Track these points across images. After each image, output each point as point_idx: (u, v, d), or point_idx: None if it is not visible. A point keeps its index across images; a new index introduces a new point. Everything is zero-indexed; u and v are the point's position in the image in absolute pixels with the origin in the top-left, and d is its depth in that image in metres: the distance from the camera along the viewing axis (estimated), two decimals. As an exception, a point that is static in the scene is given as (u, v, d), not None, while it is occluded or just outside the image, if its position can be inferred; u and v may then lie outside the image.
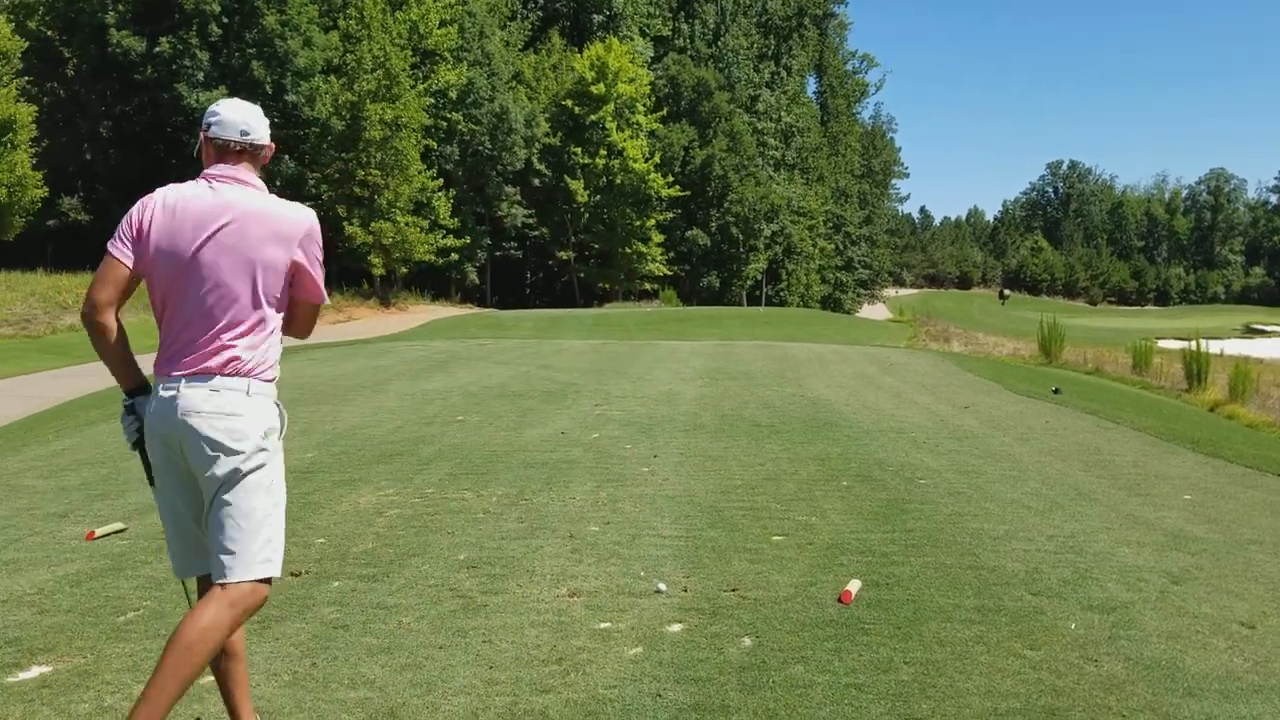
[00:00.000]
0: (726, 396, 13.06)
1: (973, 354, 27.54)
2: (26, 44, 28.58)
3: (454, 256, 46.99)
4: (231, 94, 38.65)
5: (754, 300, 62.97)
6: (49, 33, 38.65)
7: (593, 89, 53.75)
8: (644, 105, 57.67)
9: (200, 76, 37.83)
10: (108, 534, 6.05)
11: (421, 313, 41.60)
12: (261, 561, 3.03)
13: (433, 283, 49.68)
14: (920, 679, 3.92)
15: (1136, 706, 3.73)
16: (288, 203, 3.25)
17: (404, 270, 44.51)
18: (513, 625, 4.48)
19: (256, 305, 3.10)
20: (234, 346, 3.06)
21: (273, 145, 3.32)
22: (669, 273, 58.90)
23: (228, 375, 3.04)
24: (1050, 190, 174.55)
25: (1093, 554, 5.78)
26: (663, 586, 5.00)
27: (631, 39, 60.67)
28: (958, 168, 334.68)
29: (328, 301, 2.81)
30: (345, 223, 40.71)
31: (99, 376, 16.59)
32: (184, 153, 39.51)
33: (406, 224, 42.15)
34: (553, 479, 7.68)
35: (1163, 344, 31.36)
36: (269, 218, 3.15)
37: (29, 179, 24.69)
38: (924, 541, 5.94)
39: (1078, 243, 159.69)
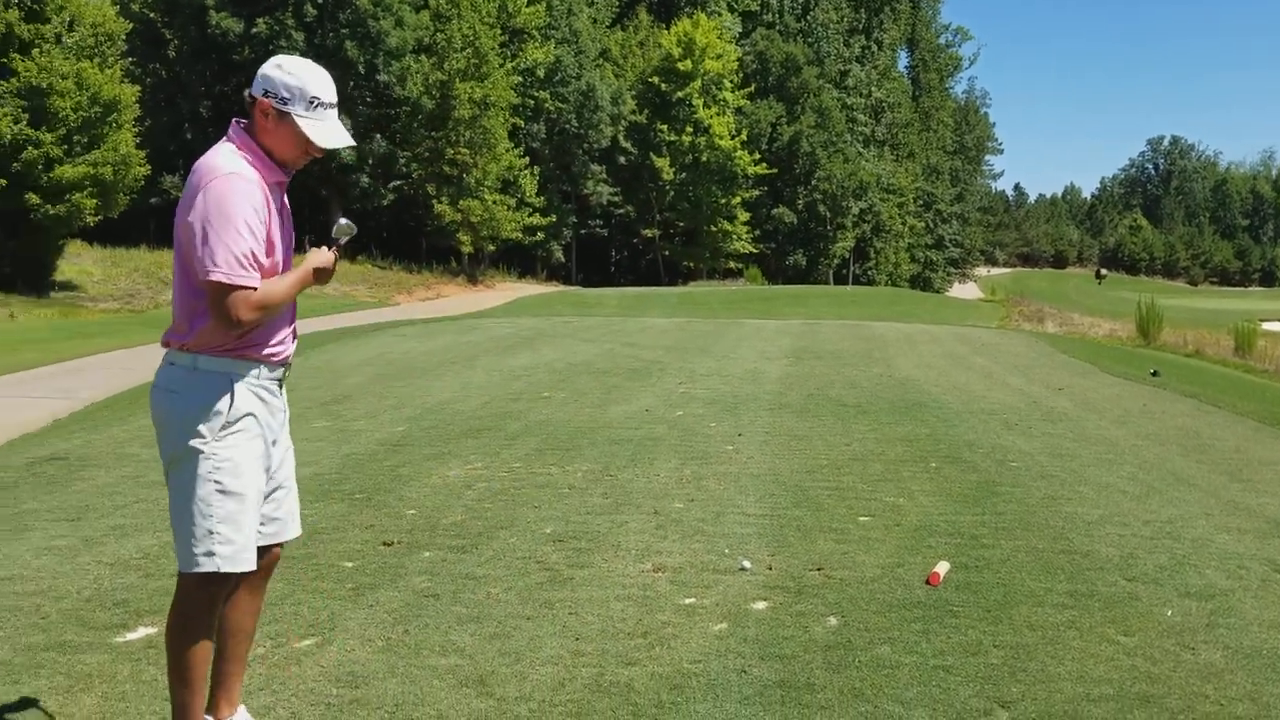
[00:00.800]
0: (812, 376, 12.97)
1: (1067, 335, 26.90)
2: (131, 26, 29.44)
3: (540, 235, 47.34)
4: (325, 74, 39.47)
5: (841, 279, 62.29)
6: (151, 15, 39.82)
7: (679, 65, 53.50)
8: (731, 81, 57.21)
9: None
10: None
11: (508, 290, 42.04)
12: None
13: (519, 260, 50.15)
14: (1010, 662, 3.87)
15: (1235, 695, 3.63)
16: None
17: (491, 248, 45.01)
18: (598, 598, 4.52)
19: None
20: None
21: (257, 99, 2.91)
22: (754, 251, 58.50)
23: None
24: (1150, 167, 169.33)
25: (1190, 540, 5.62)
26: (747, 564, 5.00)
27: (719, 14, 60.18)
28: (1054, 144, 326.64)
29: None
30: (434, 201, 41.31)
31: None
32: (279, 132, 40.49)
33: (494, 202, 42.58)
34: (637, 456, 7.72)
35: (1267, 326, 30.26)
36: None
37: (133, 158, 25.48)
38: (1015, 525, 5.84)
39: (1178, 221, 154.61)
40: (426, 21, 42.00)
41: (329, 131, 2.96)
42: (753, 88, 59.80)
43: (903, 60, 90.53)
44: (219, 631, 3.04)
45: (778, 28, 66.00)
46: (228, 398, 2.87)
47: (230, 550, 2.85)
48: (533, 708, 3.46)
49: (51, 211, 23.33)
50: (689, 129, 53.78)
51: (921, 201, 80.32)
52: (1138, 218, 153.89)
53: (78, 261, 28.50)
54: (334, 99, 3.00)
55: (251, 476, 2.92)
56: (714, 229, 56.03)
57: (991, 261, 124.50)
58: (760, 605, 4.46)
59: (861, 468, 7.38)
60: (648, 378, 12.58)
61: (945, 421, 9.54)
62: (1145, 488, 6.98)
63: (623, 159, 53.70)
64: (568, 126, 49.55)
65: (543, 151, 49.22)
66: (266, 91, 2.87)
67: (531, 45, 47.27)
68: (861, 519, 5.92)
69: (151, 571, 4.89)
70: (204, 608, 2.89)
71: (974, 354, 16.83)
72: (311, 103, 2.91)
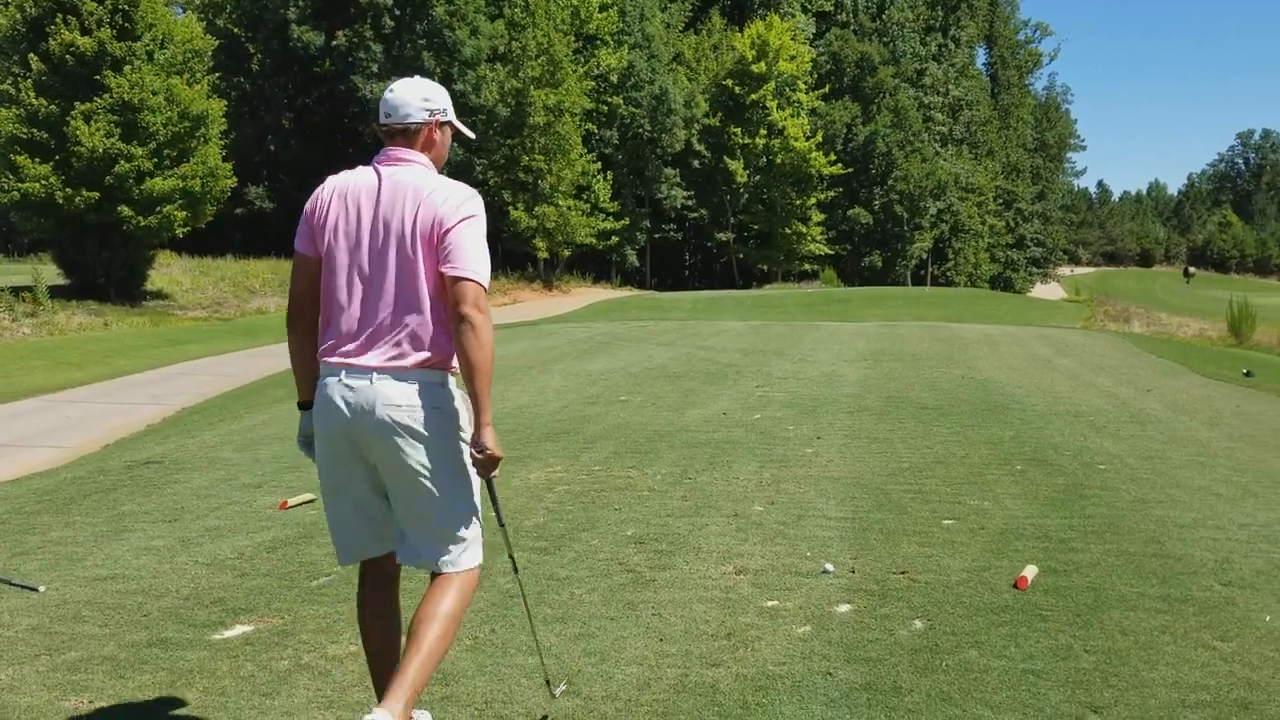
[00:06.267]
0: (891, 378, 12.83)
1: (1155, 335, 26.22)
2: (218, 42, 30.26)
3: (614, 239, 47.50)
4: (403, 84, 40.14)
5: (919, 280, 61.48)
6: (235, 30, 40.90)
7: (753, 68, 53.27)
8: (805, 83, 56.82)
9: (374, 68, 39.42)
10: (299, 504, 6.42)
11: (583, 295, 42.28)
12: None
13: (594, 265, 50.36)
14: (1102, 667, 3.80)
15: (1341, 705, 3.52)
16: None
17: (566, 253, 45.26)
18: (681, 600, 4.54)
19: None
20: None
21: (422, 124, 3.12)
22: (829, 252, 57.99)
23: None
24: (1240, 162, 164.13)
25: (1291, 545, 5.45)
26: (830, 567, 4.98)
27: (793, 15, 59.80)
28: (1138, 139, 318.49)
29: None
30: (510, 207, 41.69)
31: (285, 357, 17.52)
32: (360, 142, 41.23)
33: (568, 208, 42.84)
34: (715, 459, 7.72)
35: (1368, 324, 29.13)
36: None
37: (220, 170, 26.19)
38: (1104, 528, 5.72)
39: (1270, 217, 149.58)
40: (501, 30, 42.46)
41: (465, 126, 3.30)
42: (827, 88, 59.30)
43: (981, 57, 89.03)
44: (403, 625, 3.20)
45: (852, 27, 65.41)
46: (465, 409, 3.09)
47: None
48: (618, 707, 3.49)
49: (143, 223, 24.05)
50: (763, 131, 53.52)
51: (1001, 200, 78.86)
52: (1227, 214, 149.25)
53: (167, 271, 29.38)
54: None
55: None
56: (788, 231, 55.65)
57: (1075, 261, 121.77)
58: (844, 608, 4.44)
59: (944, 471, 7.29)
60: (724, 381, 12.56)
61: (1029, 424, 9.38)
62: (1240, 490, 6.79)
63: (696, 162, 53.63)
64: (641, 131, 49.66)
65: (616, 156, 49.39)
66: (431, 109, 3.12)
67: (604, 51, 47.49)
68: (945, 522, 5.85)
69: (246, 571, 5.03)
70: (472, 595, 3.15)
71: (1058, 355, 16.50)
72: (451, 106, 3.23)
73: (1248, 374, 13.97)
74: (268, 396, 12.46)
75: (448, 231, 2.95)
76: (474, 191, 3.07)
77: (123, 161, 23.34)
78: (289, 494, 6.65)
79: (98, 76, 23.46)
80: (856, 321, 25.34)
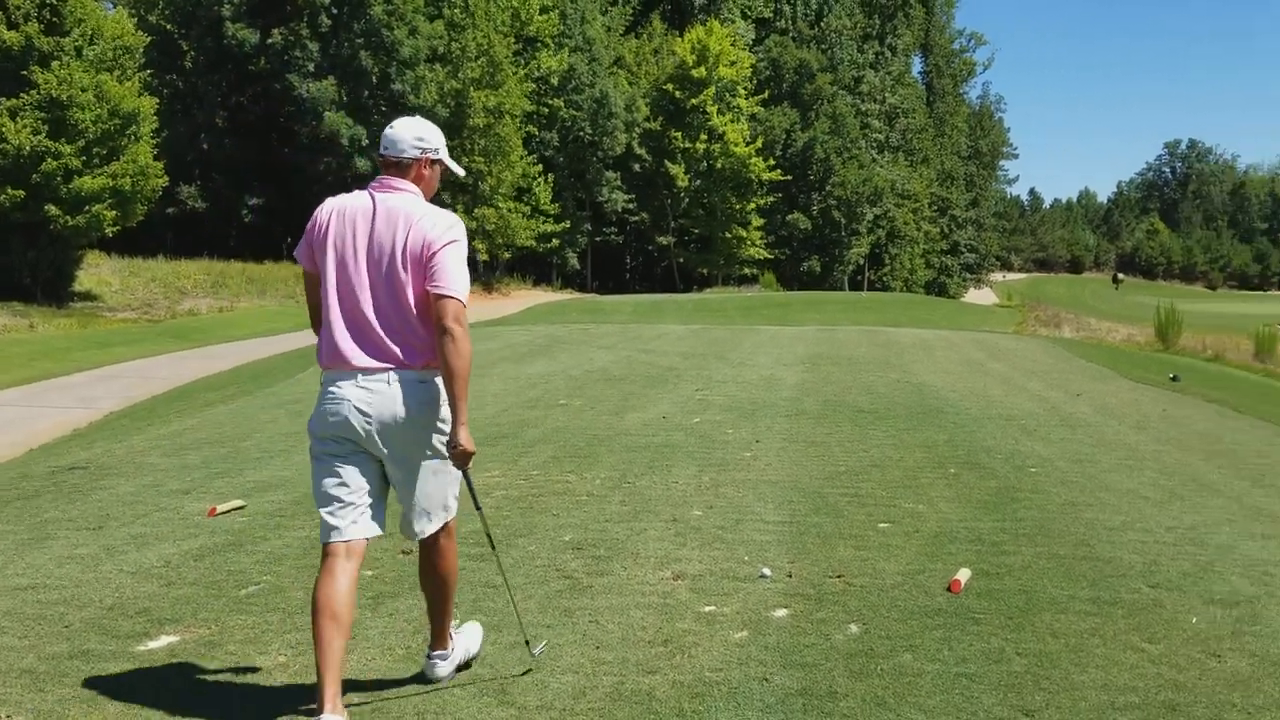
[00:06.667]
0: (829, 382, 12.93)
1: (1085, 340, 26.77)
2: (149, 39, 29.61)
3: (555, 242, 47.37)
4: (340, 83, 39.60)
5: (856, 285, 62.11)
6: (168, 26, 40.06)
7: (694, 73, 53.49)
8: (745, 88, 57.19)
9: (310, 67, 38.87)
10: (228, 510, 6.28)
11: (523, 297, 42.10)
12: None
13: (534, 268, 50.19)
14: (1033, 670, 3.84)
15: (1263, 704, 3.59)
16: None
17: (506, 255, 45.05)
18: (618, 606, 4.51)
19: None
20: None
21: (415, 159, 3.57)
22: (769, 257, 58.41)
23: None
24: (1168, 171, 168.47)
25: (1215, 546, 5.58)
26: (767, 572, 4.98)
27: (733, 21, 60.17)
28: (1069, 148, 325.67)
29: None
30: (450, 209, 41.36)
31: (216, 360, 17.22)
32: (296, 141, 40.62)
33: (509, 210, 42.64)
34: (655, 463, 7.70)
35: (1288, 330, 30.01)
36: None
37: (151, 169, 25.59)
38: (1036, 531, 5.81)
39: (1196, 225, 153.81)
40: (441, 31, 42.14)
41: (455, 164, 3.75)
42: (766, 94, 59.77)
43: (917, 66, 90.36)
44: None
45: (791, 34, 65.96)
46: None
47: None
48: (553, 716, 3.45)
49: (71, 222, 23.44)
50: (703, 136, 53.75)
51: (936, 207, 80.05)
52: (1155, 222, 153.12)
53: (96, 271, 28.68)
54: None
55: None
56: (729, 235, 55.96)
57: (1007, 267, 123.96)
58: (781, 613, 4.44)
59: (880, 474, 7.35)
60: (664, 385, 12.57)
61: (963, 427, 9.50)
62: (1167, 493, 6.93)
63: (637, 166, 53.70)
64: (582, 134, 49.59)
65: (557, 159, 49.27)
66: (424, 147, 3.57)
67: (545, 53, 47.35)
68: (881, 525, 5.90)
69: (173, 580, 4.90)
70: (455, 539, 3.75)
71: (991, 359, 16.76)
72: (444, 147, 3.68)
73: (1174, 378, 14.31)
74: (198, 400, 12.21)
75: (434, 254, 3.37)
76: (457, 219, 3.54)
77: (50, 159, 22.74)
78: (218, 500, 6.51)
79: (25, 72, 22.84)
80: (795, 326, 25.53)
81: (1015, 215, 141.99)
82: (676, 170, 53.16)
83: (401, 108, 42.16)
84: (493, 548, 3.82)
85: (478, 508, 3.70)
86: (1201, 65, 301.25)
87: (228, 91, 41.31)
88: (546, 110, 47.52)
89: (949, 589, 4.74)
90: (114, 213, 24.56)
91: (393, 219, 3.42)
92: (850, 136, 62.60)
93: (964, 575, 4.88)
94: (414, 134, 3.56)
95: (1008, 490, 6.88)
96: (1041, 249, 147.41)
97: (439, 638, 3.72)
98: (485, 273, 45.16)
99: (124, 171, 24.49)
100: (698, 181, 54.69)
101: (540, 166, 46.47)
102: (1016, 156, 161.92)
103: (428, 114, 40.97)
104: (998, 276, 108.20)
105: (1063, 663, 3.92)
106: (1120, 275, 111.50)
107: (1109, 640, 4.15)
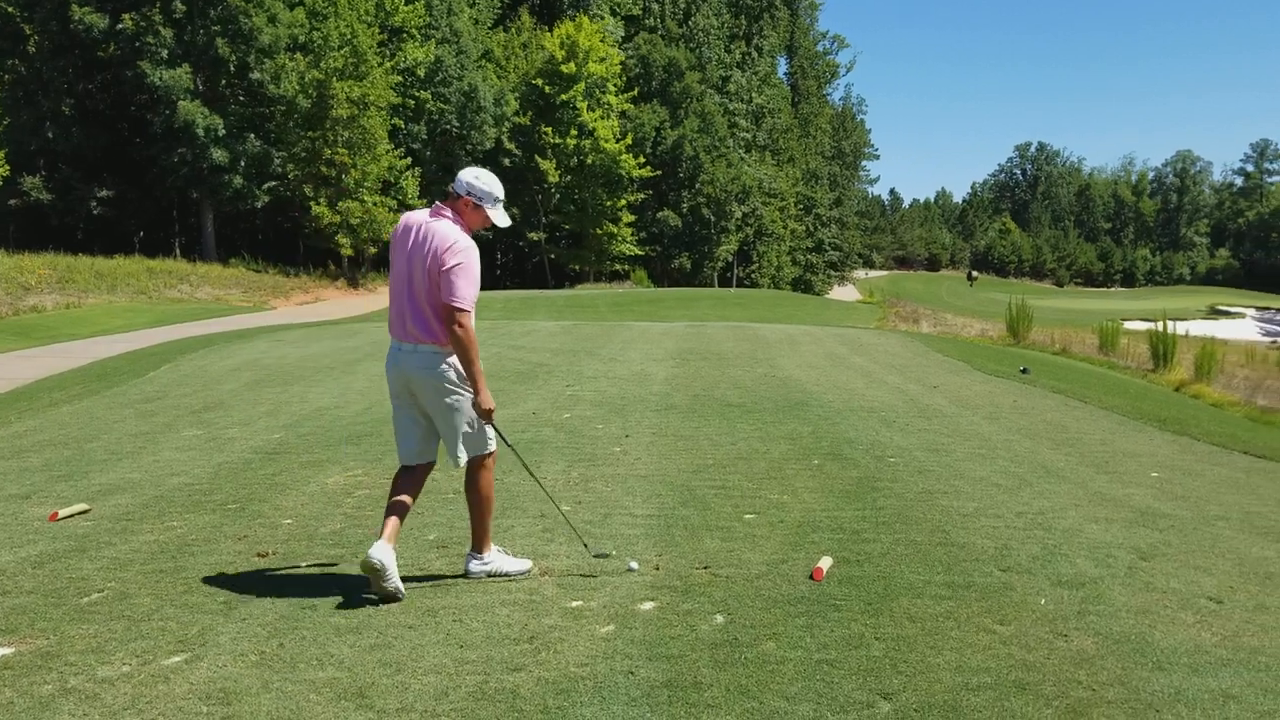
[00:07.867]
0: (698, 377, 13.05)
1: (941, 335, 27.69)
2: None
3: (423, 237, 46.62)
4: (195, 72, 38.12)
5: (725, 282, 63.00)
6: (10, 9, 37.90)
7: (563, 68, 53.36)
8: (615, 85, 57.33)
9: (164, 54, 37.30)
10: (71, 515, 5.96)
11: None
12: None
13: (401, 263, 49.28)
14: (891, 654, 3.93)
15: (1106, 680, 3.75)
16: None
17: (372, 250, 44.12)
18: (483, 604, 4.45)
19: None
20: None
21: (461, 195, 4.67)
22: (640, 254, 58.75)
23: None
24: (1019, 172, 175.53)
25: (1062, 530, 5.81)
26: (635, 565, 4.98)
27: (602, 18, 60.21)
28: (927, 149, 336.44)
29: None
30: (312, 202, 40.25)
31: (62, 358, 16.37)
32: (148, 132, 38.91)
33: (374, 204, 41.74)
34: (524, 459, 7.61)
35: (1129, 325, 31.73)
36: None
37: (-11, 157, 24.21)
38: (894, 519, 5.96)
39: (1045, 225, 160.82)
40: (302, 19, 40.98)
41: (503, 216, 4.79)
42: (636, 91, 60.06)
43: (782, 67, 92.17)
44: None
45: (660, 32, 66.41)
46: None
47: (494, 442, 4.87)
48: (414, 718, 3.37)
49: (-102, 213, 22.00)
50: (574, 132, 53.67)
51: (802, 206, 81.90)
52: (1007, 221, 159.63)
53: (-72, 266, 26.96)
54: (502, 197, 4.78)
55: None
56: (600, 232, 56.04)
57: (869, 264, 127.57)
58: (648, 606, 4.45)
59: (746, 466, 7.44)
60: (534, 380, 12.48)
61: (827, 420, 9.70)
62: (1018, 481, 7.20)
63: (507, 161, 53.26)
64: (449, 127, 48.91)
65: (424, 153, 48.47)
66: (470, 191, 4.67)
67: (411, 45, 46.52)
68: (747, 517, 5.96)
69: (8, 589, 4.63)
70: (492, 473, 4.84)
71: (853, 354, 17.18)
72: (495, 201, 4.74)
73: (1024, 371, 14.91)
74: (42, 400, 11.58)
75: (445, 271, 4.48)
76: (470, 245, 4.58)
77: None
78: (60, 504, 6.17)
79: None
80: (666, 321, 25.71)
81: (877, 214, 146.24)
82: (547, 166, 52.94)
83: (260, 97, 40.90)
84: (531, 474, 5.52)
85: (509, 445, 5.04)
86: (1050, 70, 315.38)
87: (75, 78, 39.32)
88: (413, 103, 46.72)
89: (811, 577, 4.82)
90: (-53, 203, 23.14)
91: (430, 238, 4.55)
92: (718, 135, 63.43)
93: (826, 563, 4.97)
94: (469, 178, 4.69)
95: (868, 480, 7.04)
96: (901, 247, 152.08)
97: (477, 543, 4.87)
98: (349, 268, 44.14)
99: (-42, 159, 23.09)
100: (568, 177, 54.58)
101: (408, 160, 45.66)
102: (878, 157, 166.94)
103: (289, 104, 39.98)
104: (860, 274, 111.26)
105: (919, 646, 4.02)
106: (975, 273, 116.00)
107: (963, 623, 4.28)
